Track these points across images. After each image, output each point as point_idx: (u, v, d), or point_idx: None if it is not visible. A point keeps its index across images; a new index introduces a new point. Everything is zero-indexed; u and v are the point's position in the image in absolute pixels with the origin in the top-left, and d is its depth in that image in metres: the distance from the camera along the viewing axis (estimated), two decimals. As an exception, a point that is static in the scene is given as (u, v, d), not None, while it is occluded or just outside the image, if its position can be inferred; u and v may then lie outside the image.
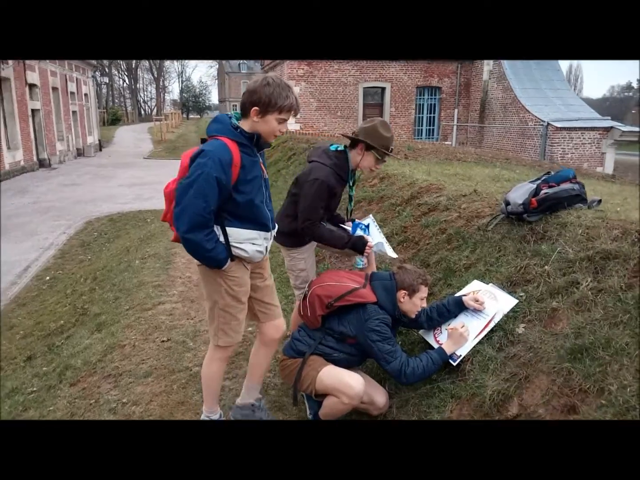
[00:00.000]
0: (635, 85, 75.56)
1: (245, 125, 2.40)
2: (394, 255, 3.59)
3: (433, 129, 23.11)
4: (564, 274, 2.80)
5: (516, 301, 2.88)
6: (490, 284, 3.18)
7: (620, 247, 2.63)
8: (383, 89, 22.10)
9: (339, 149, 3.31)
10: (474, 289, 3.20)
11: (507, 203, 3.49)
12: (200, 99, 79.74)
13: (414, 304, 2.96)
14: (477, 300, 2.98)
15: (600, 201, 3.41)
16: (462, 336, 2.86)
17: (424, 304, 3.03)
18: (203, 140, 2.44)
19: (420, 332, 3.23)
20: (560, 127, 18.33)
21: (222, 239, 2.43)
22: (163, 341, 4.43)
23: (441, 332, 3.11)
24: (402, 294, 2.94)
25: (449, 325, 3.10)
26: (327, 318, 2.95)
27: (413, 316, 3.02)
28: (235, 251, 2.47)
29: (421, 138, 22.56)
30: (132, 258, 7.79)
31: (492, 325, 2.86)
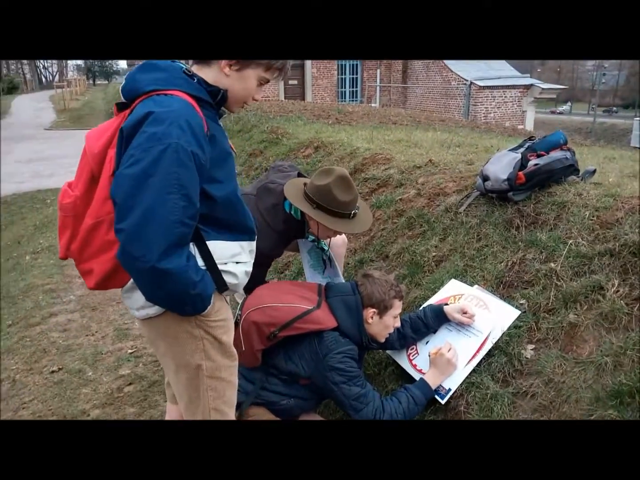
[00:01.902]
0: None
1: (206, 75, 1.48)
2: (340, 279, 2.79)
3: (356, 91, 22.31)
4: (578, 274, 2.13)
5: (518, 312, 2.18)
6: (476, 286, 2.47)
7: (656, 238, 1.98)
8: (303, 48, 20.83)
9: (292, 213, 2.37)
10: (454, 293, 2.48)
11: (486, 178, 2.77)
12: (107, 63, 73.67)
13: (385, 325, 2.20)
14: (465, 312, 2.26)
15: (594, 171, 2.78)
16: (449, 363, 2.14)
17: (398, 323, 2.27)
18: (121, 106, 1.47)
19: (389, 352, 2.48)
20: (483, 86, 18.15)
21: (199, 260, 1.48)
22: (53, 371, 3.41)
23: (418, 354, 2.37)
24: (370, 313, 2.16)
25: (427, 343, 2.37)
26: (270, 353, 2.13)
27: (383, 340, 2.26)
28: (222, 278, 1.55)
29: (345, 100, 21.70)
30: (23, 252, 6.49)
31: (488, 346, 2.15)
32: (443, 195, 3.21)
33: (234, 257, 1.55)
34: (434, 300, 2.53)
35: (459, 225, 2.87)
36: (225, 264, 1.52)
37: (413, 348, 2.42)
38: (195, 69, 1.49)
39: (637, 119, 33.62)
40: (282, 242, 2.38)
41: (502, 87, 18.35)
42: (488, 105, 18.41)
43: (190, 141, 1.31)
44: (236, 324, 2.18)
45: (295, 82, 20.60)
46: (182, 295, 1.39)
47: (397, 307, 2.22)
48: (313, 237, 2.56)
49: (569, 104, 67.98)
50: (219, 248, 1.50)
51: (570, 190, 2.55)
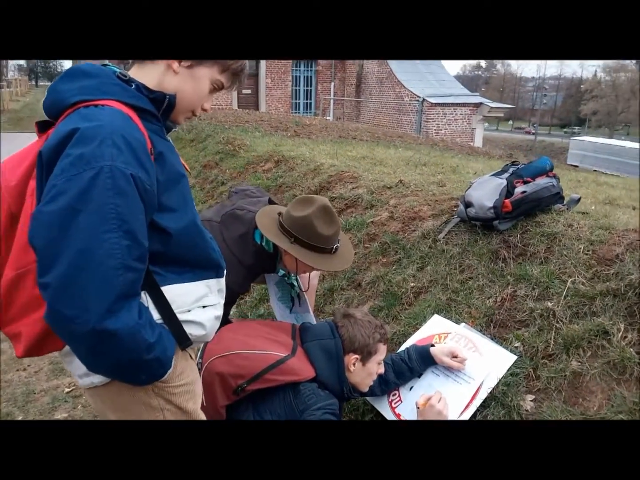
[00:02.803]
0: (483, 64, 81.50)
1: (148, 76, 1.19)
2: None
3: (311, 103, 22.19)
4: (578, 316, 1.95)
5: (514, 357, 1.98)
6: (463, 324, 2.25)
7: (663, 279, 1.83)
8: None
9: (263, 245, 2.07)
10: (439, 331, 2.26)
11: (469, 204, 2.58)
12: (52, 64, 70.46)
13: (368, 372, 1.94)
14: (456, 356, 2.03)
15: (579, 199, 2.65)
16: (440, 415, 1.90)
17: (382, 370, 2.02)
18: (43, 126, 1.17)
19: (369, 399, 2.22)
20: (435, 103, 18.43)
21: (154, 313, 1.17)
22: (-27, 415, 2.94)
23: (401, 401, 2.13)
24: (352, 360, 1.89)
25: (411, 389, 2.13)
26: (235, 408, 1.82)
27: (366, 389, 2.00)
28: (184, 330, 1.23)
29: (299, 112, 21.52)
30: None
31: (482, 395, 1.93)
32: (418, 220, 3.00)
33: (200, 300, 1.24)
34: (416, 338, 2.30)
35: (438, 253, 2.67)
36: (189, 311, 1.21)
37: (395, 394, 2.17)
38: (135, 70, 1.19)
39: (573, 138, 35.40)
40: (251, 276, 2.08)
41: (453, 104, 18.70)
42: (439, 121, 18.71)
43: (129, 162, 1.02)
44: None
45: (249, 91, 20.23)
46: (134, 362, 1.07)
47: (382, 352, 1.98)
48: (283, 272, 2.28)
49: (511, 122, 70.87)
50: (179, 293, 1.19)
51: (559, 220, 2.40)
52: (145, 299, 1.14)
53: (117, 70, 1.17)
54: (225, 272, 1.35)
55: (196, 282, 1.23)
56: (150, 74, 1.18)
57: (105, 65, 1.18)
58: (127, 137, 1.03)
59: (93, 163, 0.98)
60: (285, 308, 2.47)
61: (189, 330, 1.22)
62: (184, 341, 1.22)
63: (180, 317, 1.19)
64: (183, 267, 1.21)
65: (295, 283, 2.35)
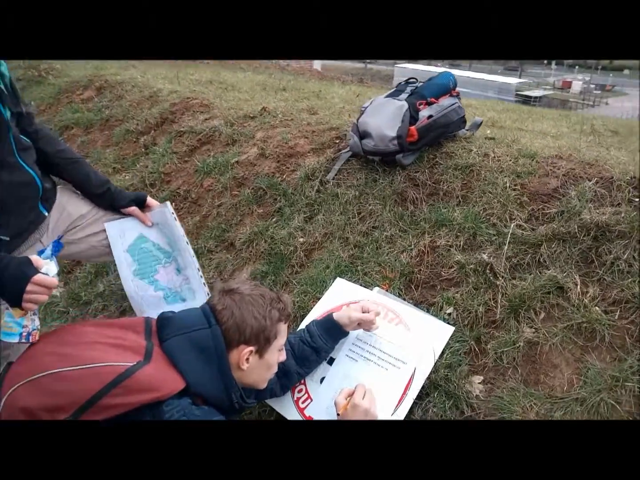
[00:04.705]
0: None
1: None
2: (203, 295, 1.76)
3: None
4: (521, 268, 1.59)
5: (451, 329, 1.57)
6: (376, 288, 1.79)
7: (618, 218, 1.51)
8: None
9: None
10: (346, 300, 1.77)
11: (364, 134, 2.05)
12: None
13: (268, 365, 1.37)
14: (367, 311, 1.57)
15: (481, 123, 2.28)
16: (368, 415, 1.44)
17: (284, 356, 1.46)
18: None
19: (268, 401, 1.69)
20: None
21: None
22: None
23: (311, 399, 1.63)
24: (244, 354, 1.29)
25: (323, 382, 1.64)
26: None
27: (265, 385, 1.44)
28: None
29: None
30: None
31: (418, 383, 1.51)
32: (297, 157, 2.42)
33: None
34: (318, 312, 1.79)
35: (329, 199, 2.13)
36: None
37: (302, 390, 1.66)
38: None
39: (397, 66, 37.21)
40: None
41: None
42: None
43: None
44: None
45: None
46: None
47: (284, 333, 1.41)
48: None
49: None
50: None
51: (470, 148, 2.00)
52: None
53: None
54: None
55: None
56: None
57: None
58: None
59: None
60: (146, 285, 1.75)
61: None
62: None
63: None
64: None
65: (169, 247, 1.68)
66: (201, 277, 1.72)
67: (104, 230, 1.68)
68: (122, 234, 1.71)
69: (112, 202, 1.66)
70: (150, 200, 1.72)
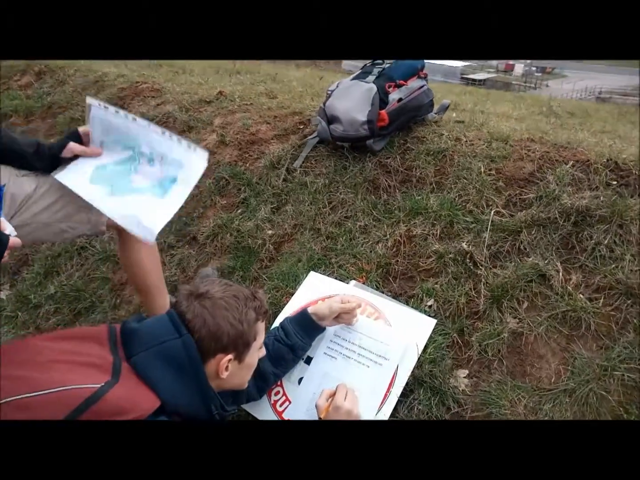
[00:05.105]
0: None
1: None
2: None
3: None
4: (501, 256, 1.55)
5: (433, 321, 1.51)
6: (353, 282, 1.71)
7: (597, 202, 1.48)
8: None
9: None
10: (321, 295, 1.69)
11: (332, 119, 1.96)
12: None
13: (249, 367, 1.28)
14: (349, 308, 1.50)
15: (448, 106, 2.22)
16: (350, 416, 1.37)
17: (263, 352, 1.36)
18: None
19: (244, 406, 1.59)
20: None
21: None
22: None
23: (290, 402, 1.55)
24: (223, 363, 1.19)
25: (301, 383, 1.56)
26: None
27: (245, 386, 1.35)
28: None
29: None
30: None
31: (401, 380, 1.45)
32: (260, 144, 2.30)
33: None
34: (292, 308, 1.70)
35: (298, 188, 2.03)
36: None
37: (279, 392, 1.58)
38: None
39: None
40: None
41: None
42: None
43: None
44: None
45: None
46: None
47: (262, 332, 1.31)
48: None
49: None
50: None
51: (441, 133, 1.94)
52: None
53: None
54: None
55: None
56: None
57: None
58: None
59: None
60: (129, 198, 1.50)
61: None
62: None
63: None
64: None
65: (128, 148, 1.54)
66: (171, 136, 1.49)
67: (55, 202, 1.50)
68: (76, 175, 1.50)
69: (50, 153, 1.46)
70: (83, 129, 1.54)
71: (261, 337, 1.30)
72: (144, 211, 1.47)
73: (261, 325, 1.29)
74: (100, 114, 1.51)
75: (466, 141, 1.86)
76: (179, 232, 2.18)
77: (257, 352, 1.30)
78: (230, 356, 1.19)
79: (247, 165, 2.23)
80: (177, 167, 1.52)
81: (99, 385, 1.03)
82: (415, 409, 1.40)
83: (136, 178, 1.54)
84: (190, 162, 1.50)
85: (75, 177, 1.50)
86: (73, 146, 1.49)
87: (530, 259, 1.47)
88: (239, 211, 2.10)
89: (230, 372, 1.22)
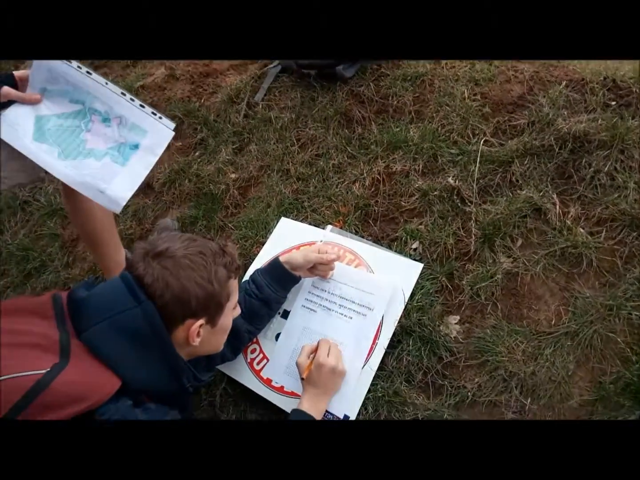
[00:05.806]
0: None
1: None
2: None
3: None
4: (491, 190, 1.41)
5: (419, 266, 1.38)
6: (329, 227, 1.55)
7: (595, 125, 1.34)
8: None
9: None
10: (296, 243, 1.54)
11: (296, 44, 1.73)
12: None
13: (223, 329, 1.14)
14: (326, 259, 1.36)
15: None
16: (335, 373, 1.26)
17: (238, 311, 1.21)
18: None
19: (220, 367, 1.46)
20: None
21: None
22: None
23: (267, 359, 1.43)
24: (194, 329, 1.03)
25: (279, 339, 1.44)
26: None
27: (221, 347, 1.21)
28: None
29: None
30: None
31: (389, 330, 1.33)
32: (215, 76, 2.05)
33: None
34: (264, 259, 1.55)
35: (261, 125, 1.82)
36: None
37: (255, 350, 1.46)
38: None
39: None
40: None
41: None
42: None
43: None
44: None
45: None
46: None
47: (236, 289, 1.16)
48: None
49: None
50: None
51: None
52: None
53: None
54: None
55: None
56: None
57: None
58: None
59: None
60: (84, 162, 1.31)
61: None
62: None
63: None
64: None
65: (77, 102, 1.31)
66: (133, 100, 1.32)
67: None
68: (15, 126, 1.27)
69: None
70: (20, 72, 1.30)
71: (235, 296, 1.14)
72: (106, 180, 1.27)
73: (234, 283, 1.12)
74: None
75: (446, 63, 1.67)
76: (131, 180, 1.95)
77: (231, 312, 1.15)
78: (201, 321, 1.03)
79: (202, 101, 1.98)
80: (139, 133, 1.31)
81: (44, 371, 0.86)
82: (404, 360, 1.29)
83: (89, 137, 1.31)
84: (156, 130, 1.30)
85: (12, 131, 1.26)
86: (7, 90, 1.24)
87: (524, 192, 1.34)
88: (197, 153, 1.88)
89: (203, 338, 1.06)
